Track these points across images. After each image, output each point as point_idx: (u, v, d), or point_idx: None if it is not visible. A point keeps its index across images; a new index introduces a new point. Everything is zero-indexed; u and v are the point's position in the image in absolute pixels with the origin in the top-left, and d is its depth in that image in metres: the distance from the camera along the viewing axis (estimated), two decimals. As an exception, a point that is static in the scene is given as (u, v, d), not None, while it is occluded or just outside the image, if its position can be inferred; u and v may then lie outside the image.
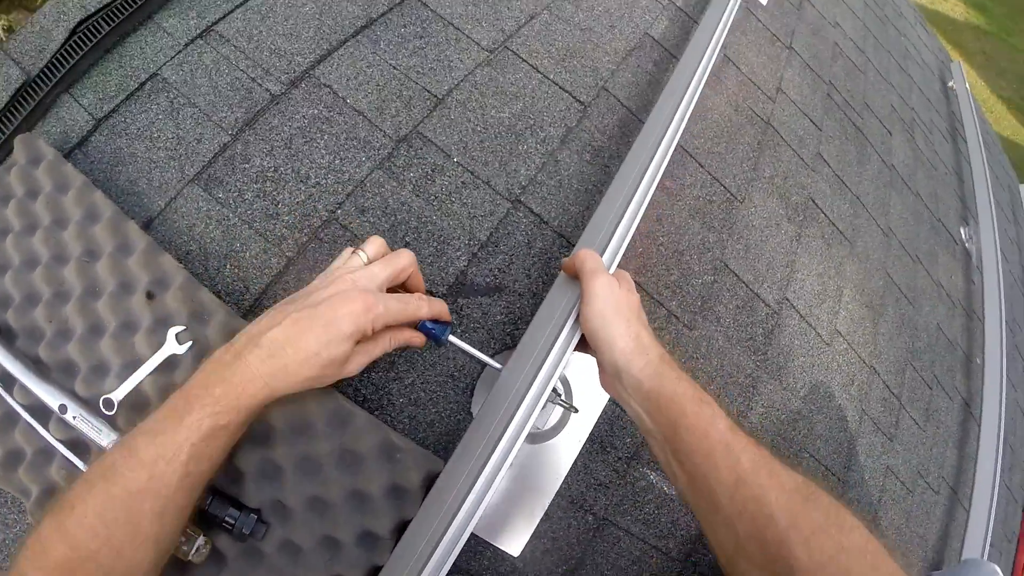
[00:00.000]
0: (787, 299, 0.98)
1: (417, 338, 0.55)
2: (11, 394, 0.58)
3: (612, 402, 0.72)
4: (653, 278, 0.81)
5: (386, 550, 0.55)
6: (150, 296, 0.59)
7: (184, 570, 0.53)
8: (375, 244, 0.55)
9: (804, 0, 1.44)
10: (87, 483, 0.43)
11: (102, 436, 0.55)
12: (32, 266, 0.62)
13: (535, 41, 0.86)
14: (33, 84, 0.70)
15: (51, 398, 0.57)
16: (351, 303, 0.47)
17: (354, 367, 0.50)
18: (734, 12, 1.05)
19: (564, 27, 0.91)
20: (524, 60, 0.83)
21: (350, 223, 0.66)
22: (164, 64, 0.72)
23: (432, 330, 0.56)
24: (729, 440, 0.46)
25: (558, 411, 0.69)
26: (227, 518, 0.53)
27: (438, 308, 0.56)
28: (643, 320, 0.55)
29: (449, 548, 0.51)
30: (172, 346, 0.57)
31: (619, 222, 0.67)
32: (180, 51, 0.72)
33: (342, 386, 0.61)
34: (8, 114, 0.69)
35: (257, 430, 0.56)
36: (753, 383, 0.88)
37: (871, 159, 1.34)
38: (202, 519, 0.53)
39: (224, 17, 0.75)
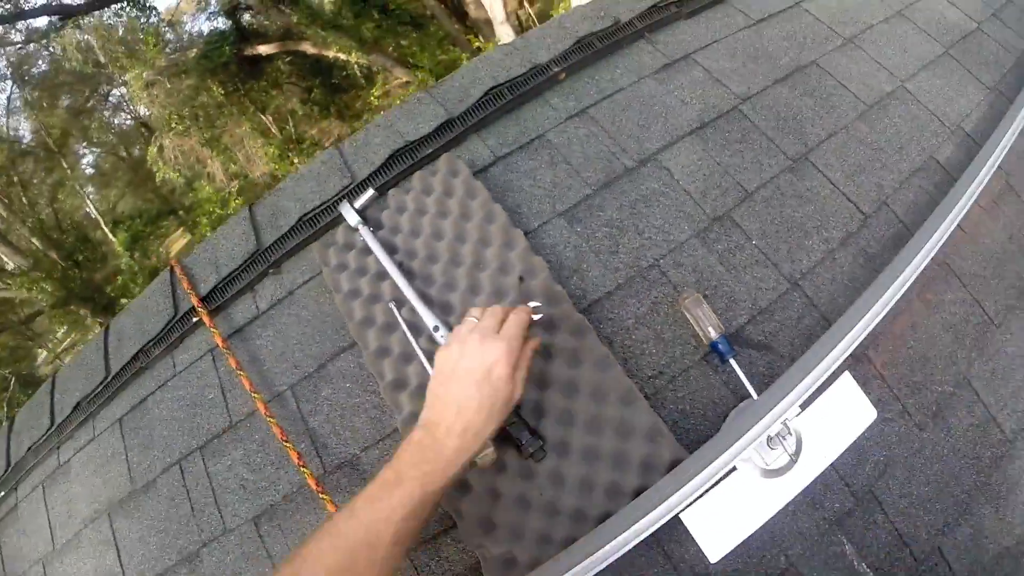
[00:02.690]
0: (1027, 431, 0.89)
1: (535, 341, 0.64)
2: (401, 313, 0.78)
3: (834, 467, 0.76)
4: (896, 375, 0.82)
5: (622, 503, 0.67)
6: (521, 280, 0.78)
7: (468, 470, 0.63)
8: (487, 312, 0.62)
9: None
10: (316, 539, 0.49)
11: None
12: (438, 238, 0.84)
13: (831, 156, 0.92)
14: (454, 122, 0.94)
15: (430, 320, 0.75)
16: (495, 357, 0.56)
17: (519, 391, 0.59)
18: (1014, 136, 0.97)
19: (858, 146, 0.95)
20: (820, 171, 0.90)
21: (667, 271, 0.81)
22: (549, 129, 0.93)
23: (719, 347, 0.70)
24: None
25: (784, 458, 0.75)
26: (521, 439, 0.67)
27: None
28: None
29: (657, 518, 0.63)
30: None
31: (865, 316, 0.72)
32: (561, 122, 0.93)
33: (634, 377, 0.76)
34: (433, 138, 0.92)
35: (569, 381, 0.71)
36: (968, 500, 0.83)
37: None
38: (498, 436, 0.64)
39: (595, 104, 0.95)
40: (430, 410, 0.57)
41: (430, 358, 0.73)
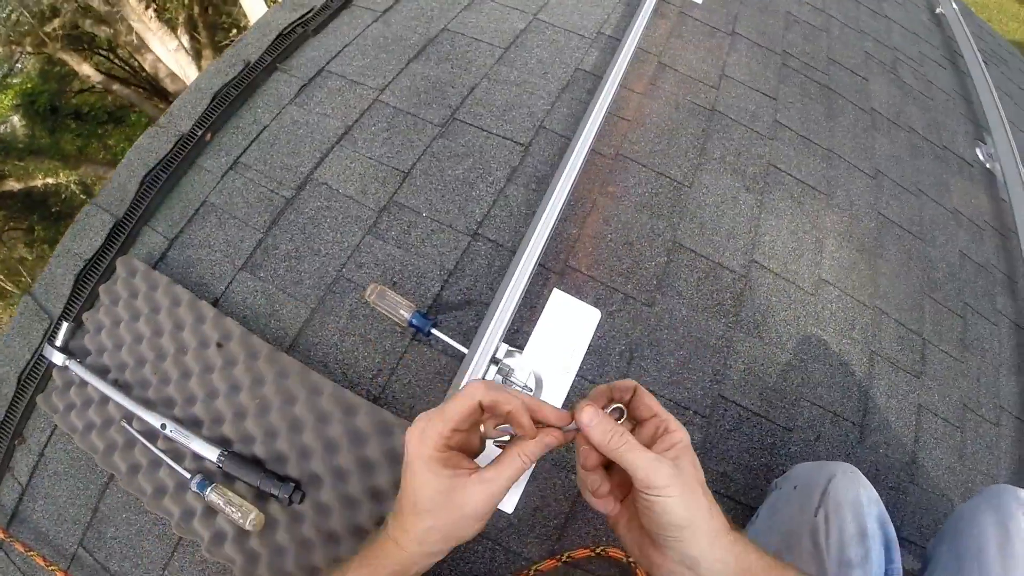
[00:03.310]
0: (755, 262, 1.13)
1: (550, 438, 0.48)
2: (132, 427, 0.88)
3: (580, 375, 0.92)
4: (606, 270, 1.02)
5: (390, 500, 0.78)
6: (220, 345, 0.90)
7: (247, 538, 0.78)
8: None
9: (746, -16, 1.61)
10: None
11: (190, 441, 0.84)
12: (139, 341, 0.95)
13: (478, 107, 1.13)
14: (123, 222, 1.05)
15: (156, 421, 0.86)
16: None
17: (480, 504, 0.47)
18: (643, 24, 1.26)
19: (502, 88, 1.17)
20: (470, 124, 1.10)
21: (352, 277, 0.94)
22: (210, 192, 1.06)
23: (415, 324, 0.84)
24: None
25: (528, 392, 0.90)
26: (272, 490, 0.79)
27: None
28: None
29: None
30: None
31: (543, 216, 0.91)
32: (218, 181, 1.07)
33: (363, 387, 0.87)
34: (109, 247, 1.03)
35: (293, 419, 0.83)
36: (726, 343, 1.04)
37: (844, 110, 1.44)
38: (256, 496, 0.79)
39: (244, 151, 1.10)
40: None
41: (173, 457, 0.86)
